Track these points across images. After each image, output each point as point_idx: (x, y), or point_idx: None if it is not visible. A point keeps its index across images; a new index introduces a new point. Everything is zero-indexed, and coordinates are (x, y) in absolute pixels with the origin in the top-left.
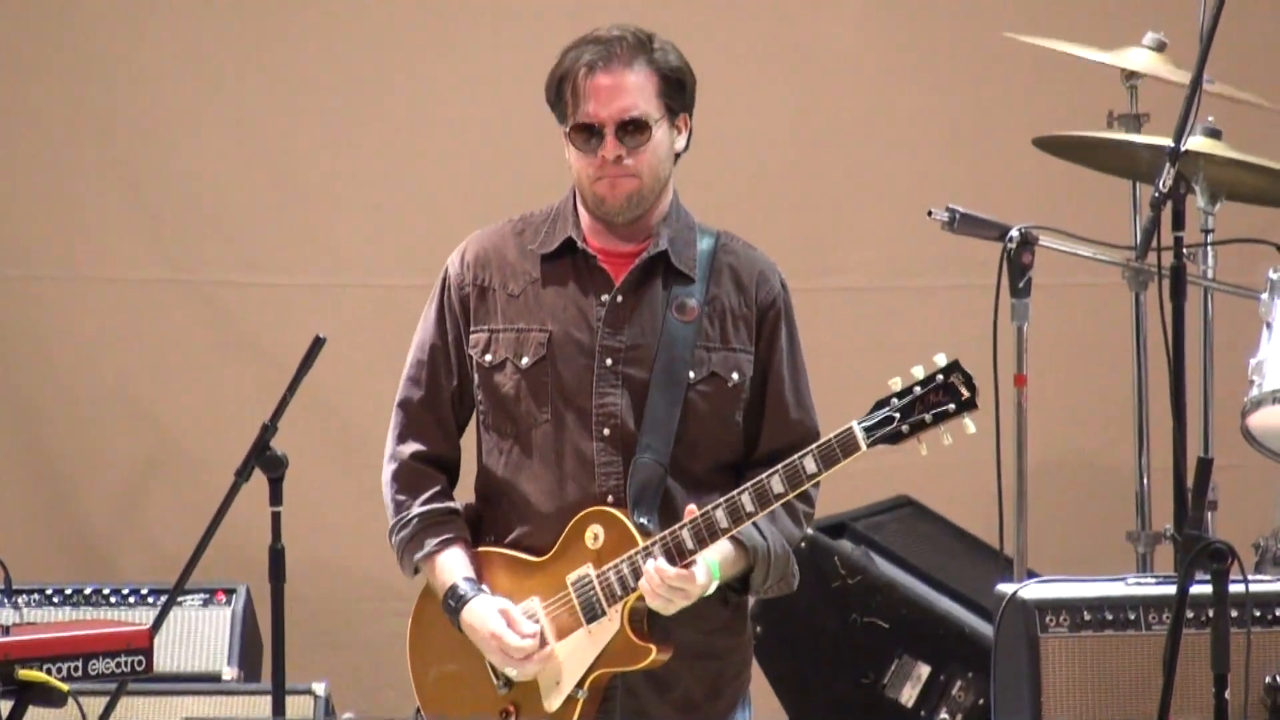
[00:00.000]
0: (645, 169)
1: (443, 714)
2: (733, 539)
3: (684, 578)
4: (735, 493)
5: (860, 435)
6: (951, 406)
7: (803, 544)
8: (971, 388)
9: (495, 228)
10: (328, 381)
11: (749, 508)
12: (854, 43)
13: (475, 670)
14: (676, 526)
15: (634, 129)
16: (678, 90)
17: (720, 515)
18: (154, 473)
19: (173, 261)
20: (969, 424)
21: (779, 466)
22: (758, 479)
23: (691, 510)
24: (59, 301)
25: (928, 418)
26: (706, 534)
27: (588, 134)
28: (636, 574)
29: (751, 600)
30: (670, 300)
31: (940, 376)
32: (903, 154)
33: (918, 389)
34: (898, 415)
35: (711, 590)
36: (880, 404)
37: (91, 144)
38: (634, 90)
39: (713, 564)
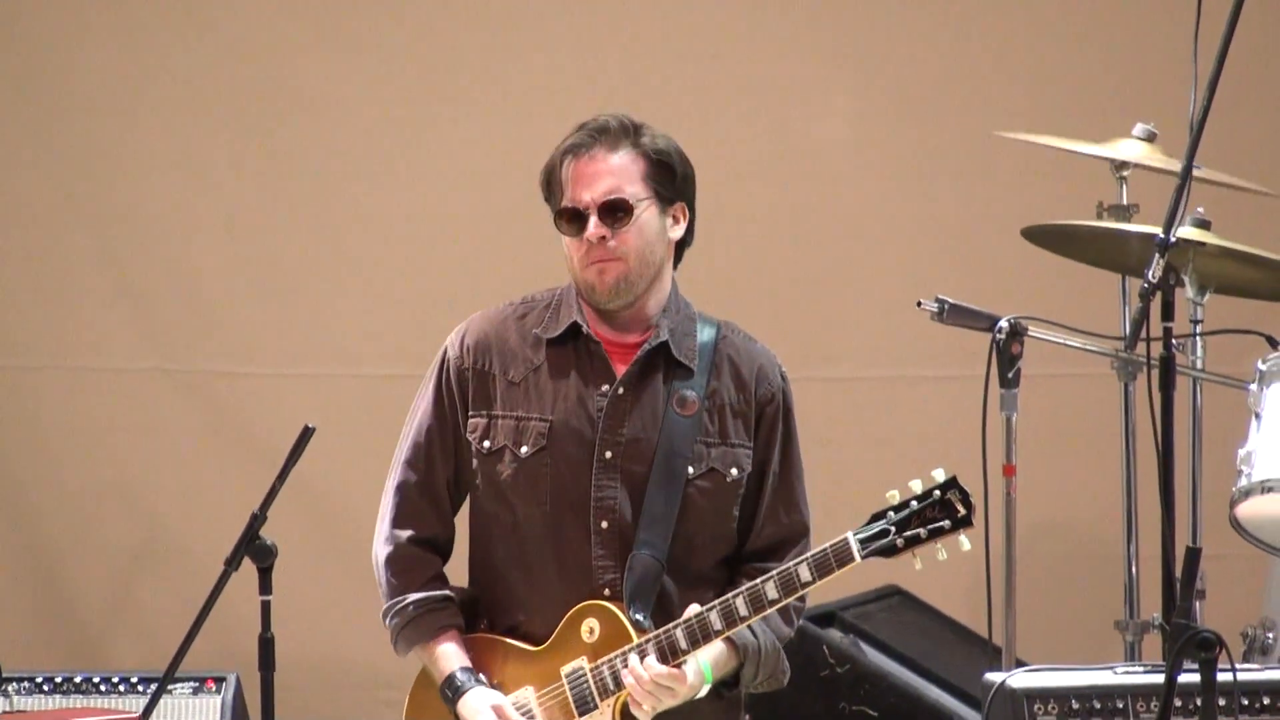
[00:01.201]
0: (631, 250)
1: None
2: (724, 637)
3: (674, 677)
4: (730, 596)
5: (855, 547)
6: (947, 524)
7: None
8: (968, 505)
9: (496, 310)
10: (317, 471)
11: (743, 612)
12: (845, 137)
13: None
14: (671, 626)
15: (618, 211)
16: (666, 174)
17: (714, 618)
18: (144, 561)
19: (164, 351)
20: (964, 541)
21: (774, 573)
22: (753, 584)
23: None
24: (50, 391)
25: (923, 533)
26: (700, 635)
27: (574, 219)
28: None
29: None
30: (671, 394)
31: (937, 493)
32: (892, 245)
33: (914, 504)
34: (893, 529)
35: (704, 693)
36: (876, 516)
37: (84, 234)
38: (617, 172)
39: (705, 665)
